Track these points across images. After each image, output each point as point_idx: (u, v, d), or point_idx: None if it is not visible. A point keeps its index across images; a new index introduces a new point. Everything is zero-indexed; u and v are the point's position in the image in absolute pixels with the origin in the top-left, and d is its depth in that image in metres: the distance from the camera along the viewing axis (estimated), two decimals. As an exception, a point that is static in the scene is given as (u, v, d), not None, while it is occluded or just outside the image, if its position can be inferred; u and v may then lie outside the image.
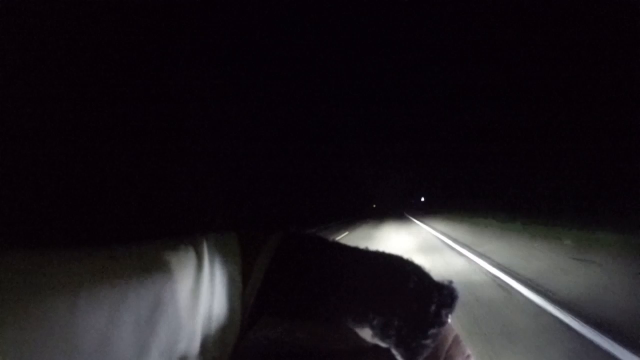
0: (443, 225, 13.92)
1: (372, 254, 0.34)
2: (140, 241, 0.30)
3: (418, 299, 0.30)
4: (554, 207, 10.59)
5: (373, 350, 0.30)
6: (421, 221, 18.29)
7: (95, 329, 0.24)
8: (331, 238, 0.36)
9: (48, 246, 0.26)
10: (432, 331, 0.29)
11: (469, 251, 6.34)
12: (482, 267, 4.82)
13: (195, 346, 0.28)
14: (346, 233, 11.89)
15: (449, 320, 0.31)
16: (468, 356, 0.31)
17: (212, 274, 0.30)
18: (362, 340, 0.30)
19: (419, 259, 0.34)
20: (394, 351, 0.29)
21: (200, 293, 0.29)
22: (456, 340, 0.31)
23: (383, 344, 0.30)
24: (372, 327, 0.30)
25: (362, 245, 0.36)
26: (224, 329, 0.30)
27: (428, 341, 0.29)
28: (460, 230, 10.84)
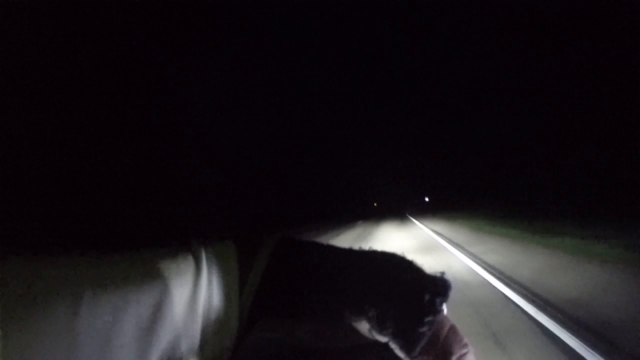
0: (443, 227, 13.19)
1: (365, 252, 0.35)
2: (140, 247, 0.30)
3: (412, 289, 0.31)
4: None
5: (372, 345, 0.30)
6: (423, 223, 16.42)
7: (97, 334, 0.24)
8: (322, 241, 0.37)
9: (49, 253, 0.27)
10: (428, 319, 0.30)
11: (469, 257, 5.62)
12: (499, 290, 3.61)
13: (194, 349, 0.29)
14: (338, 235, 11.02)
15: (444, 310, 0.32)
16: (465, 344, 0.31)
17: (210, 279, 0.31)
18: (361, 337, 0.31)
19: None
20: (391, 344, 0.30)
21: (199, 298, 0.30)
22: (453, 330, 0.32)
23: (381, 338, 0.30)
24: (369, 320, 0.31)
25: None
26: (223, 332, 0.31)
27: (424, 329, 0.30)
28: (462, 234, 9.92)
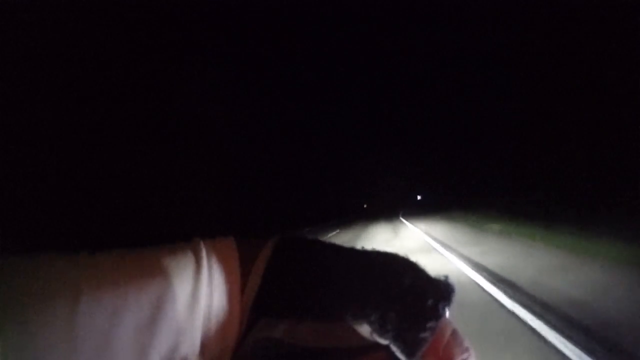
0: (436, 229, 12.21)
1: (367, 252, 0.35)
2: (140, 247, 0.30)
3: (414, 293, 0.31)
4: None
5: (373, 347, 0.30)
6: (416, 225, 14.94)
7: (96, 333, 0.24)
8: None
9: (48, 250, 0.27)
10: (430, 324, 0.29)
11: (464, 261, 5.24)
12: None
13: (195, 349, 0.29)
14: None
15: (447, 314, 0.32)
16: (467, 349, 0.31)
17: (210, 278, 0.31)
18: (362, 338, 0.31)
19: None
20: (392, 347, 0.30)
21: (200, 297, 0.30)
22: (454, 334, 0.31)
23: (382, 341, 0.30)
24: (370, 323, 0.30)
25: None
26: (224, 332, 0.31)
27: (426, 334, 0.29)
28: (457, 237, 9.08)
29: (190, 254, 0.31)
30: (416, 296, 0.31)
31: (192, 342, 0.29)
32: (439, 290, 0.31)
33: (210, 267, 0.31)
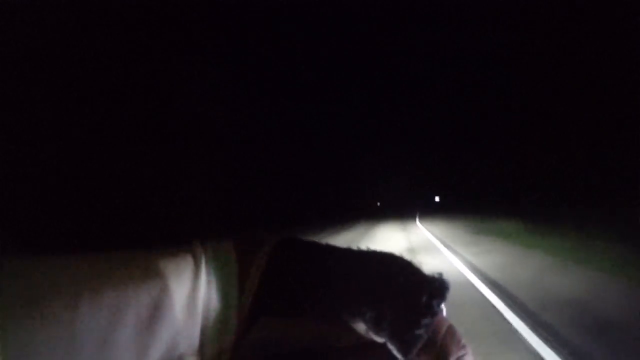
0: (448, 231, 11.02)
1: (363, 252, 0.35)
2: (140, 247, 0.30)
3: (409, 290, 0.31)
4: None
5: (369, 345, 0.30)
6: (431, 231, 12.74)
7: (96, 334, 0.24)
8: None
9: (49, 251, 0.27)
10: (425, 321, 0.30)
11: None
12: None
13: (193, 349, 0.29)
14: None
15: (443, 311, 0.32)
16: (463, 346, 0.31)
17: (209, 279, 0.31)
18: (359, 337, 0.31)
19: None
20: (389, 344, 0.30)
21: (198, 298, 0.30)
22: (450, 330, 0.32)
23: (378, 338, 0.30)
24: (366, 321, 0.31)
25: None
26: (222, 333, 0.31)
27: (421, 331, 0.30)
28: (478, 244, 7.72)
29: (189, 255, 0.31)
30: (411, 294, 0.31)
31: (191, 342, 0.29)
32: (434, 287, 0.31)
33: (208, 268, 0.31)
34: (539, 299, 3.60)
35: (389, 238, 11.08)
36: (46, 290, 0.24)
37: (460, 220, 17.41)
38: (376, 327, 0.30)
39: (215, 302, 0.31)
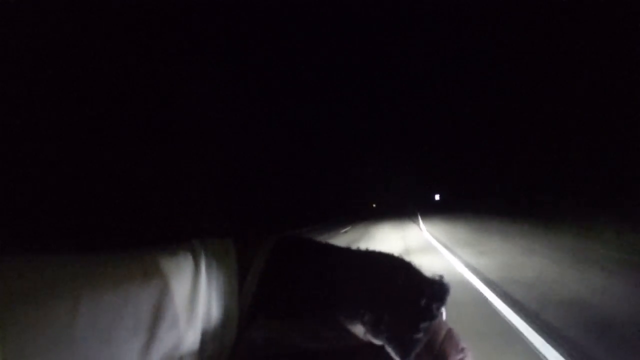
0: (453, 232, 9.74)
1: (363, 253, 0.35)
2: (140, 247, 0.30)
3: (408, 293, 0.31)
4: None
5: (368, 347, 0.30)
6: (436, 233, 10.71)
7: (96, 334, 0.25)
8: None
9: (49, 252, 0.27)
10: (424, 325, 0.29)
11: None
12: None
13: (194, 348, 0.29)
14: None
15: (443, 315, 0.32)
16: (462, 349, 0.31)
17: (209, 278, 0.31)
18: (356, 338, 0.31)
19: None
20: (387, 347, 0.30)
21: (198, 297, 0.30)
22: (449, 334, 0.31)
23: (376, 341, 0.30)
24: (364, 324, 0.30)
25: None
26: (222, 331, 0.31)
27: (420, 335, 0.29)
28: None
29: (189, 255, 0.31)
30: (409, 297, 0.31)
31: (191, 342, 0.29)
32: (433, 291, 0.31)
33: (208, 268, 0.31)
34: (540, 299, 3.60)
35: (387, 239, 10.52)
36: (46, 290, 0.24)
37: (462, 220, 16.10)
38: (375, 329, 0.30)
39: (215, 301, 0.31)
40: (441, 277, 0.32)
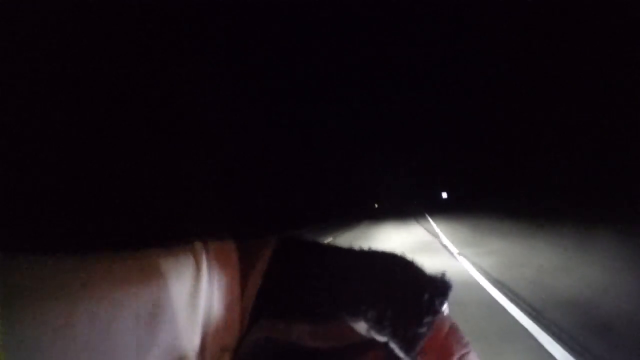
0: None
1: (365, 251, 0.35)
2: (140, 247, 0.30)
3: (410, 289, 0.31)
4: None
5: (371, 345, 0.30)
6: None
7: (95, 334, 0.24)
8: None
9: (48, 251, 0.26)
10: (427, 320, 0.30)
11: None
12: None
13: (194, 350, 0.29)
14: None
15: (446, 310, 0.32)
16: (466, 344, 0.31)
17: (210, 279, 0.31)
18: (360, 336, 0.31)
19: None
20: (390, 344, 0.30)
21: (199, 298, 0.30)
22: (453, 329, 0.31)
23: (380, 337, 0.30)
24: (367, 320, 0.30)
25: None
26: (223, 333, 0.31)
27: (423, 330, 0.29)
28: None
29: (191, 254, 0.31)
30: (412, 292, 0.31)
31: (192, 342, 0.29)
32: (435, 286, 0.31)
33: (210, 268, 0.31)
34: (541, 298, 3.63)
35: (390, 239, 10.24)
36: (46, 290, 0.24)
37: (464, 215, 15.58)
38: (377, 326, 0.30)
39: (216, 302, 0.31)
40: (443, 273, 0.33)
